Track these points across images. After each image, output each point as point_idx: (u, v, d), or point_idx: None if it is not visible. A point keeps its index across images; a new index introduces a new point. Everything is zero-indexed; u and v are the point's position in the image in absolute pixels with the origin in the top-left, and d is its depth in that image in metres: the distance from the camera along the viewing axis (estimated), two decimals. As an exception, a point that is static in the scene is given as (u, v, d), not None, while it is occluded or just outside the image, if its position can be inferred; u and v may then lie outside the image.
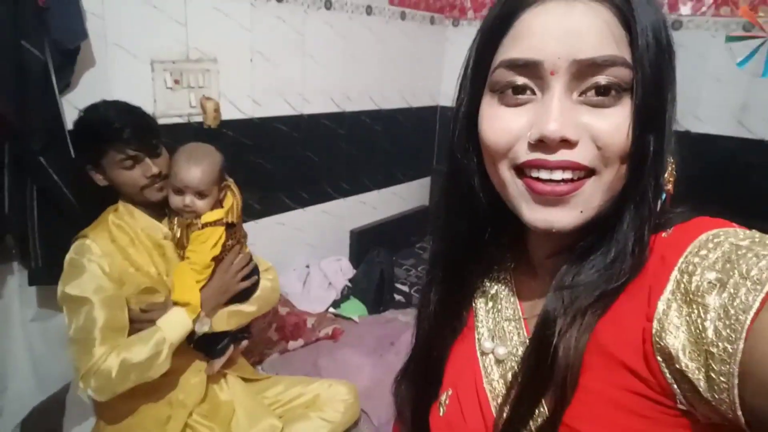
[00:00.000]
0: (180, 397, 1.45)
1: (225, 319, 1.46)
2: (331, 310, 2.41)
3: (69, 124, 1.59)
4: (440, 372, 0.65)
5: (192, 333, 1.39)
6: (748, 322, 0.38)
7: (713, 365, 0.40)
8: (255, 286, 1.54)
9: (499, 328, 0.61)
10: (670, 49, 0.48)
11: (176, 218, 1.43)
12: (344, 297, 2.50)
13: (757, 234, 0.44)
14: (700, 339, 0.41)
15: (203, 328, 1.40)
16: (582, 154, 0.46)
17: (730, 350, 0.39)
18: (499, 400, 0.55)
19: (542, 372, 0.49)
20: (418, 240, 3.14)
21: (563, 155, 0.46)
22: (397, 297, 2.63)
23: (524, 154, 0.48)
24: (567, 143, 0.46)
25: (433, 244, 0.65)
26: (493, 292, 0.63)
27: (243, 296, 1.51)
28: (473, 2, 3.00)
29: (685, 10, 2.25)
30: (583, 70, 0.46)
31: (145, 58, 1.82)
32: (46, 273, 1.57)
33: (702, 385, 0.40)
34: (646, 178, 0.48)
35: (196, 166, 1.36)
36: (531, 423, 0.50)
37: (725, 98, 2.22)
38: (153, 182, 1.36)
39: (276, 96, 2.29)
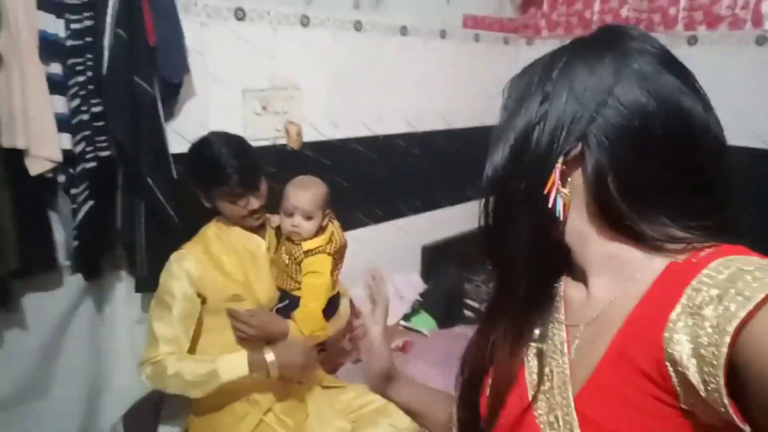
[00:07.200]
0: (257, 397, 1.60)
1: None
2: (402, 322, 2.49)
3: (172, 148, 1.79)
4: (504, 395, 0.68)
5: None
6: (731, 330, 0.45)
7: (704, 368, 0.46)
8: (335, 310, 1.68)
9: (545, 328, 0.67)
10: None
11: (284, 246, 1.60)
12: (414, 311, 2.57)
13: (764, 261, 0.49)
14: (697, 345, 0.47)
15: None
16: None
17: (716, 353, 0.45)
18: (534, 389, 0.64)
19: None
20: (490, 257, 3.16)
21: None
22: (467, 313, 2.67)
23: None
24: None
25: (500, 283, 0.72)
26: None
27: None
28: (547, 22, 3.02)
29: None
30: None
31: (237, 88, 2.01)
32: (151, 281, 1.75)
33: (700, 386, 0.47)
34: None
35: (305, 191, 1.54)
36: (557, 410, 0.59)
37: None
38: (251, 215, 1.54)
39: (353, 118, 2.43)
